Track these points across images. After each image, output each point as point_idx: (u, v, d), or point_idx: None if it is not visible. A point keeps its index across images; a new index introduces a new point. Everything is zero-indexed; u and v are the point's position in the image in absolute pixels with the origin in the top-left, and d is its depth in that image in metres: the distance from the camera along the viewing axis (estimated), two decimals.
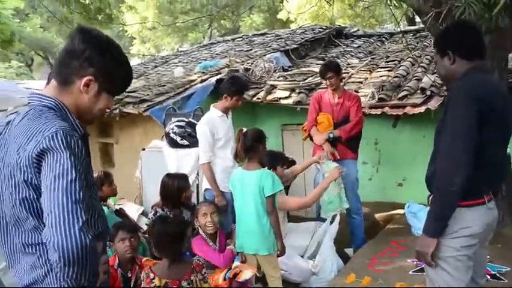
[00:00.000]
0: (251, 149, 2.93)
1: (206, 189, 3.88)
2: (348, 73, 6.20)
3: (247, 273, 2.85)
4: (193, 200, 4.42)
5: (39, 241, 1.33)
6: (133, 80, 7.75)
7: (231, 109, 3.92)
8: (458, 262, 1.83)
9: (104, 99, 1.49)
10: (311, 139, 4.31)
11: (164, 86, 6.19)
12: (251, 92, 5.99)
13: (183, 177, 3.73)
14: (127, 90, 2.02)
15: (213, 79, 5.91)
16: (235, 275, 2.88)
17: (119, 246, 2.88)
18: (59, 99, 1.43)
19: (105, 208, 3.48)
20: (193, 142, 4.48)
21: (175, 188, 3.59)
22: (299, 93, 5.76)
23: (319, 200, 3.57)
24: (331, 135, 4.09)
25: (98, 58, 1.43)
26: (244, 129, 3.01)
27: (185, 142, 4.71)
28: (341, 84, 4.42)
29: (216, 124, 3.75)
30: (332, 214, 3.68)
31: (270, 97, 5.86)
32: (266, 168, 3.04)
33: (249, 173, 2.93)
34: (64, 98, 1.44)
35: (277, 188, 2.90)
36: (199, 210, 3.36)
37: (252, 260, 2.98)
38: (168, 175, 3.71)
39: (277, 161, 3.79)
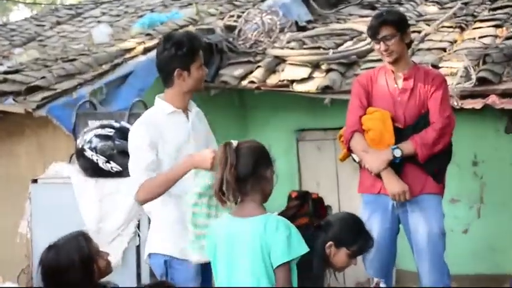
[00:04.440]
0: (250, 178, 3.01)
1: (151, 255, 3.88)
2: (419, 31, 6.18)
3: None
4: (121, 274, 4.44)
5: None
6: (17, 50, 7.89)
7: (192, 95, 3.94)
8: None
9: None
10: (357, 161, 4.39)
11: (74, 60, 6.13)
12: (237, 71, 5.98)
13: (78, 238, 3.55)
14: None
15: None
16: None
17: None
18: None
19: None
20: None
21: (76, 267, 3.39)
22: (328, 71, 5.77)
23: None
24: (398, 154, 4.16)
25: None
26: (234, 143, 3.03)
27: (114, 167, 4.81)
28: (408, 52, 4.43)
29: (161, 127, 3.78)
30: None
31: (273, 80, 5.88)
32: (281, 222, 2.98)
33: (244, 222, 2.99)
34: None
35: (297, 251, 2.93)
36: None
37: None
38: (50, 248, 3.51)
39: (358, 238, 3.76)
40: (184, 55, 3.76)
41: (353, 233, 3.70)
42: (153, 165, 3.72)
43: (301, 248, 2.93)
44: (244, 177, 2.98)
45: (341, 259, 3.64)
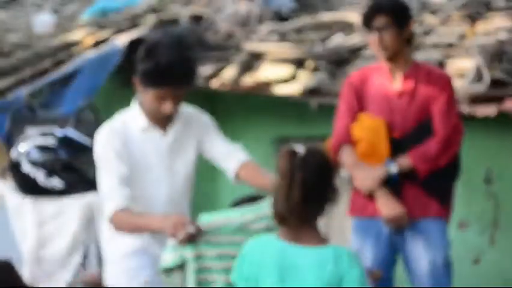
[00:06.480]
0: (315, 201, 2.95)
1: None
2: (422, 23, 6.25)
3: None
4: None
5: None
6: None
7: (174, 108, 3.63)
8: None
9: None
10: (346, 177, 4.37)
11: (9, 55, 6.19)
12: (206, 70, 5.96)
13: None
14: None
15: (119, 40, 5.91)
16: None
17: None
18: None
19: None
20: (74, 183, 4.54)
21: None
22: (315, 70, 5.78)
23: None
24: (393, 170, 4.17)
25: None
26: (300, 149, 2.91)
27: (56, 184, 4.78)
28: (408, 48, 4.38)
29: (129, 143, 3.73)
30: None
31: (249, 79, 5.89)
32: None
33: (305, 252, 2.96)
34: None
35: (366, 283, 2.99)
36: None
37: None
38: None
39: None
40: (145, 71, 3.53)
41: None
42: (126, 178, 3.62)
43: (365, 283, 3.02)
44: (309, 199, 2.92)
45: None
